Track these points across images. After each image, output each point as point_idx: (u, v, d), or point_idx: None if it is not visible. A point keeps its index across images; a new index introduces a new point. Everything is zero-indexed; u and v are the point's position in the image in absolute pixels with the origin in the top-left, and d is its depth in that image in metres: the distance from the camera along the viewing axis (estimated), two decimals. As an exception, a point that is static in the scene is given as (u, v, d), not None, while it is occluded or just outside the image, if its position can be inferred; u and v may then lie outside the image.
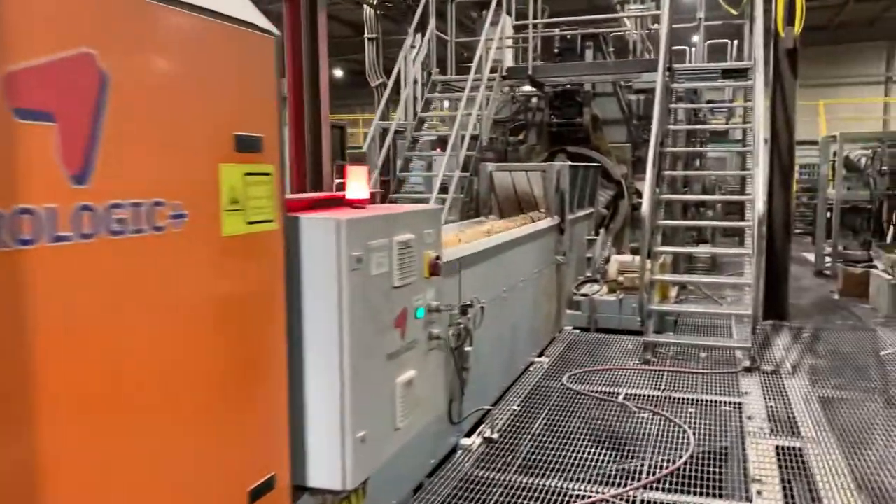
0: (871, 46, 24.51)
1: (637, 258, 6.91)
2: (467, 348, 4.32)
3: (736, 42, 10.83)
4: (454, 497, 3.80)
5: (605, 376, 5.88)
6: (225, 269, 1.71)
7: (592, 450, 4.38)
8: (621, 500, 3.76)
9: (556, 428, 4.73)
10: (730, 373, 5.90)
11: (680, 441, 4.51)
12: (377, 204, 2.51)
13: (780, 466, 4.14)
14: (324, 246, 1.96)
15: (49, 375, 1.28)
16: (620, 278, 7.71)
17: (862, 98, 23.66)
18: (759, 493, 3.80)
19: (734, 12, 9.04)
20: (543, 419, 4.89)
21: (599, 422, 4.85)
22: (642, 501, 3.75)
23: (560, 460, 4.23)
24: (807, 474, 4.04)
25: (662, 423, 4.83)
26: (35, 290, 1.25)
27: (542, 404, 5.18)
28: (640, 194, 8.56)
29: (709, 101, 12.50)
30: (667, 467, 4.11)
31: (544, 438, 4.55)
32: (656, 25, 9.24)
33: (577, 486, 3.89)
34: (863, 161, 11.11)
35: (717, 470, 4.11)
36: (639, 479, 3.96)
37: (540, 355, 6.44)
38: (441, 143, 10.02)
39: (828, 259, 10.94)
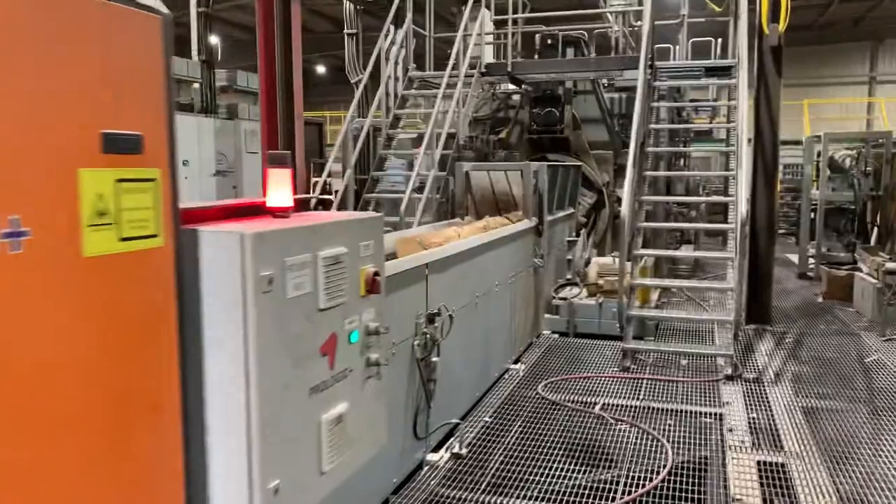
0: (856, 46, 24.51)
1: (618, 260, 6.71)
2: (434, 359, 4.09)
3: (720, 41, 10.65)
4: (417, 520, 3.57)
5: (582, 385, 5.66)
6: (88, 296, 1.43)
7: (565, 466, 4.16)
8: (594, 522, 3.54)
9: (528, 442, 4.50)
10: (711, 381, 5.70)
11: (658, 456, 4.30)
12: (311, 212, 2.25)
13: (761, 484, 3.93)
14: (225, 264, 1.68)
15: None
16: (601, 281, 7.50)
17: (846, 98, 23.65)
18: (739, 513, 3.60)
19: (718, 9, 8.86)
20: (516, 432, 4.66)
21: (574, 435, 4.63)
22: (616, 524, 3.53)
23: (531, 478, 4.00)
24: (790, 492, 3.84)
25: (640, 435, 4.62)
26: None
27: (516, 415, 4.96)
28: (621, 202, 8.37)
29: (692, 101, 12.36)
30: (643, 485, 3.89)
31: (516, 453, 4.32)
32: (639, 22, 9.03)
33: (547, 507, 3.66)
34: (847, 162, 10.96)
35: (696, 487, 3.90)
36: (613, 499, 3.74)
37: (516, 362, 6.22)
38: (421, 141, 9.78)
39: (811, 261, 10.79)
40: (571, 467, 4.13)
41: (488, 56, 10.17)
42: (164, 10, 1.50)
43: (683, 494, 3.80)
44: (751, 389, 5.54)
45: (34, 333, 1.34)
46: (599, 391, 5.50)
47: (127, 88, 1.47)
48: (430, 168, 7.54)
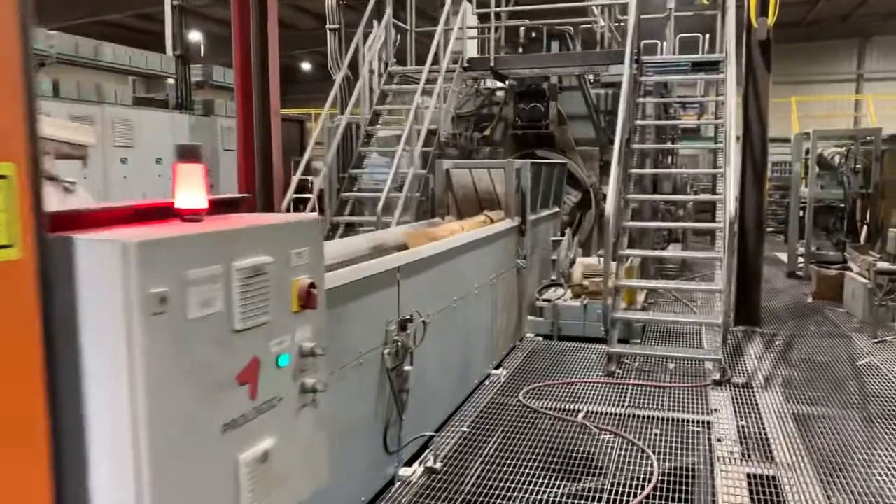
0: (843, 44, 24.45)
1: (603, 260, 6.48)
2: (406, 368, 3.86)
3: (708, 36, 10.47)
4: (385, 542, 3.34)
5: (565, 391, 5.44)
6: None
7: (545, 479, 3.93)
8: (574, 543, 3.32)
9: (507, 453, 4.28)
10: (699, 386, 5.50)
11: (642, 468, 4.09)
12: (240, 214, 1.99)
13: (751, 499, 3.73)
14: (105, 280, 1.40)
15: None
16: (585, 282, 7.28)
17: (834, 95, 23.58)
18: (728, 533, 3.38)
19: (705, 2, 8.65)
20: (495, 443, 4.43)
21: (556, 446, 4.41)
22: (598, 545, 3.31)
23: (508, 493, 3.77)
24: (781, 508, 3.64)
25: (624, 446, 4.40)
26: None
27: (495, 425, 4.73)
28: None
29: (680, 97, 12.16)
30: (626, 500, 3.68)
31: (493, 466, 4.10)
32: (625, 17, 8.81)
33: (525, 527, 3.44)
34: (836, 159, 10.81)
35: (683, 502, 3.69)
36: (595, 518, 3.53)
37: (497, 367, 5.99)
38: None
39: (800, 260, 10.63)
40: (551, 481, 3.91)
41: (472, 51, 9.94)
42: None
43: (669, 511, 3.59)
44: (740, 395, 5.34)
45: None
46: (583, 397, 5.29)
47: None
48: (411, 165, 7.29)
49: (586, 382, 5.62)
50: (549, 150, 9.36)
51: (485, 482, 3.89)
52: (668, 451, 4.32)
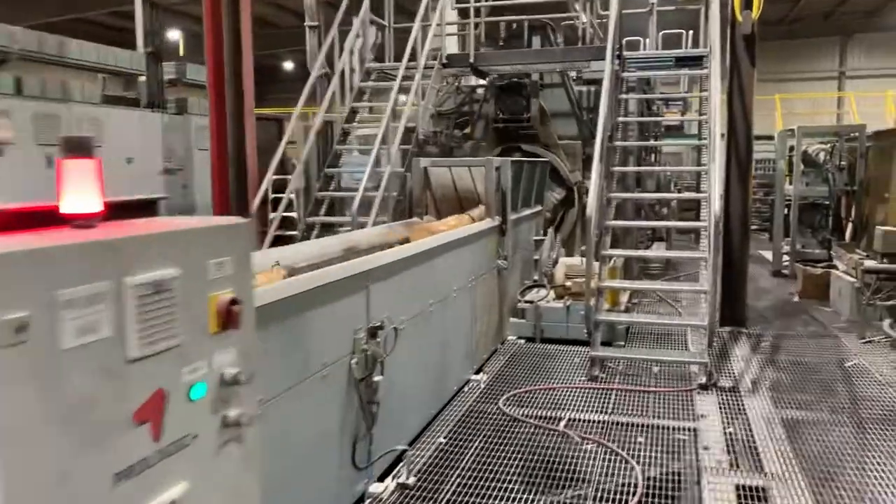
0: (825, 41, 24.48)
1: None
2: (376, 378, 3.64)
3: (691, 32, 10.33)
4: (352, 566, 3.12)
5: (547, 397, 5.25)
6: None
7: (524, 494, 3.73)
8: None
9: (485, 466, 4.07)
10: (684, 391, 5.32)
11: (627, 480, 3.89)
12: (150, 220, 1.73)
13: (741, 512, 3.55)
14: None
15: None
16: (568, 283, 7.10)
17: (818, 93, 23.59)
18: (717, 550, 3.20)
19: (689, -4, 8.51)
20: (472, 455, 4.23)
21: (536, 456, 4.20)
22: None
23: (486, 510, 3.57)
24: (772, 522, 3.46)
25: (608, 456, 4.21)
26: None
27: (474, 435, 4.52)
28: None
29: (663, 94, 12.04)
30: (610, 517, 3.48)
31: (470, 480, 3.89)
32: (607, 12, 8.63)
33: (502, 547, 3.24)
34: (821, 156, 10.70)
35: (669, 518, 3.50)
36: (576, 535, 3.33)
37: (478, 372, 5.79)
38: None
39: (786, 258, 10.51)
40: (531, 495, 3.71)
41: (452, 48, 9.74)
42: None
43: (655, 527, 3.40)
44: (727, 399, 5.17)
45: None
46: (565, 404, 5.09)
47: None
48: (388, 164, 7.08)
49: (569, 387, 5.43)
50: (532, 144, 9.18)
51: (461, 497, 3.69)
52: (653, 460, 4.13)
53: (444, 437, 4.45)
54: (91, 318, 1.29)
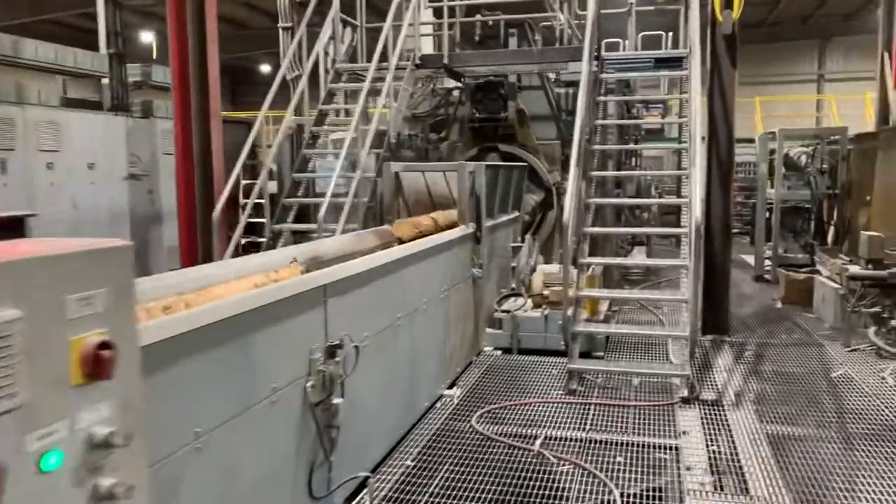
0: (804, 44, 24.54)
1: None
2: (336, 401, 3.37)
3: (671, 34, 10.17)
4: None
5: (522, 413, 4.99)
6: None
7: (496, 524, 3.47)
8: None
9: (455, 491, 3.81)
10: (666, 405, 5.09)
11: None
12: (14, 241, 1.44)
13: (726, 541, 3.31)
14: None
15: None
16: (546, 291, 6.87)
17: (799, 96, 23.62)
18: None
19: (668, -5, 8.32)
20: (441, 479, 3.96)
21: (509, 480, 3.95)
22: None
23: (453, 543, 3.31)
24: (759, 552, 3.22)
25: (585, 478, 3.96)
26: None
27: (444, 457, 4.26)
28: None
29: (643, 99, 11.87)
30: (587, 549, 3.24)
31: (438, 508, 3.63)
32: (585, 12, 8.42)
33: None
34: (803, 159, 10.57)
35: (650, 549, 3.26)
36: (550, 571, 3.08)
37: (451, 386, 5.53)
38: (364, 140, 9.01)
39: (768, 263, 10.36)
40: (503, 525, 3.46)
41: (428, 49, 9.49)
42: None
43: (634, 561, 3.15)
44: (710, 414, 4.95)
45: None
46: (542, 420, 4.85)
47: None
48: (357, 169, 6.81)
49: (546, 402, 5.18)
50: (510, 144, 8.96)
51: (427, 528, 3.43)
52: (632, 483, 3.89)
53: (412, 460, 4.19)
54: None
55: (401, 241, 5.11)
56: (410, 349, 4.64)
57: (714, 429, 4.69)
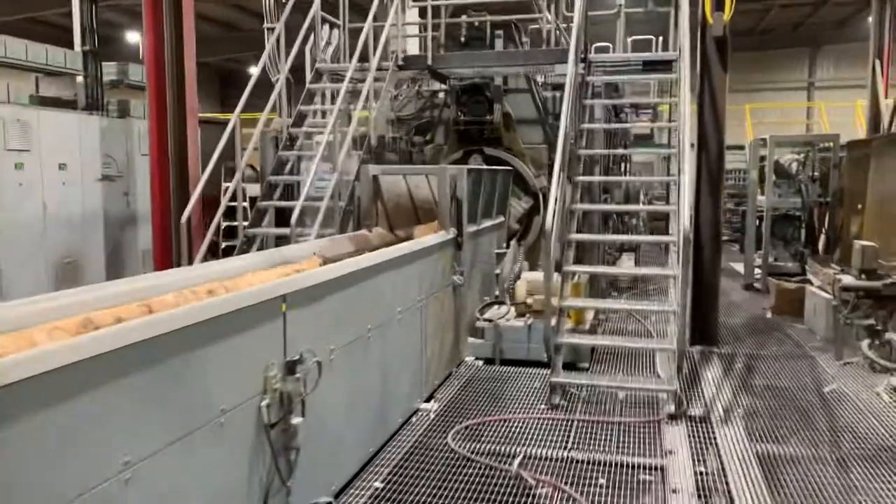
0: (795, 52, 24.47)
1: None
2: (295, 420, 3.12)
3: (661, 39, 9.98)
4: None
5: (502, 429, 4.76)
6: None
7: (468, 554, 3.23)
8: None
9: (425, 517, 3.57)
10: (652, 421, 4.86)
11: (585, 534, 3.41)
12: None
13: (713, 574, 3.08)
14: None
15: None
16: (530, 300, 6.64)
17: (789, 103, 23.53)
18: None
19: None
20: (412, 502, 3.72)
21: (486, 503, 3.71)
22: None
23: (420, 575, 3.07)
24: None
25: (565, 503, 3.72)
26: None
27: (416, 478, 4.01)
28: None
29: (633, 105, 11.68)
30: (564, 583, 3.00)
31: (406, 536, 3.38)
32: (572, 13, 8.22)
33: None
34: (794, 166, 10.40)
35: (632, 582, 3.03)
36: None
37: (428, 399, 5.29)
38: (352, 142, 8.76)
39: (757, 271, 10.17)
40: (475, 555, 3.22)
41: (413, 50, 9.27)
42: None
43: None
44: (697, 431, 4.73)
45: None
46: (522, 437, 4.61)
47: None
48: (336, 171, 6.57)
49: (527, 418, 4.94)
50: (495, 148, 8.74)
51: (393, 559, 3.18)
52: (615, 507, 3.66)
53: (382, 482, 3.94)
54: None
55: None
56: (383, 362, 4.39)
57: (702, 447, 4.47)
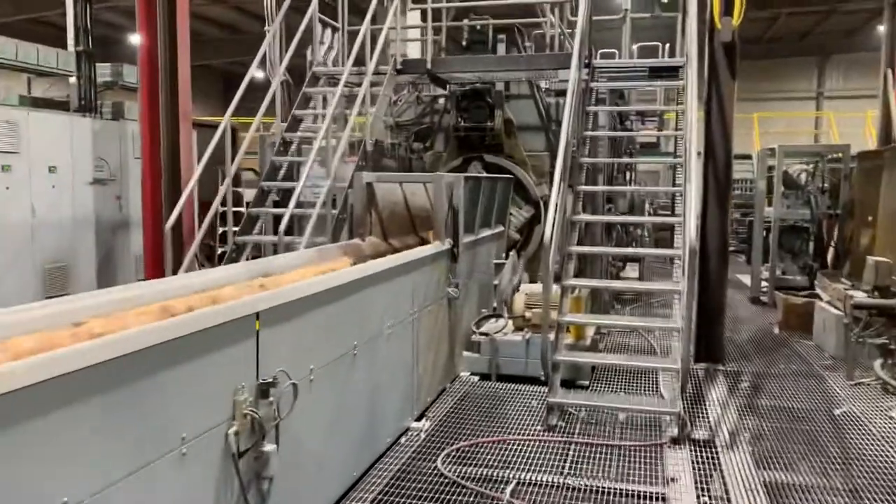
0: (803, 61, 24.22)
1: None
2: (267, 448, 2.89)
3: (668, 46, 9.77)
4: None
5: (496, 452, 4.52)
6: None
7: None
8: None
9: (409, 550, 3.33)
10: (653, 444, 4.62)
11: (580, 572, 3.18)
12: None
13: None
14: None
15: None
16: (528, 313, 6.40)
17: (797, 113, 23.28)
18: None
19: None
20: (395, 533, 3.49)
21: (473, 535, 3.47)
22: None
23: None
24: None
25: (559, 536, 3.49)
26: None
27: (401, 505, 3.78)
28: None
29: (638, 113, 11.47)
30: None
31: (387, 572, 3.15)
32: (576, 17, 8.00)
33: None
34: (803, 177, 10.16)
35: None
36: None
37: (420, 418, 5.06)
38: (350, 147, 8.56)
39: (764, 284, 9.92)
40: None
41: (415, 54, 9.07)
42: None
43: None
44: (701, 456, 4.48)
45: None
46: (516, 461, 4.37)
47: None
48: (329, 178, 6.36)
49: (522, 440, 4.70)
50: (496, 154, 8.53)
51: None
52: (613, 542, 3.42)
53: (365, 509, 3.71)
54: None
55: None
56: (370, 380, 4.17)
57: (706, 474, 4.22)
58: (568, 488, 3.99)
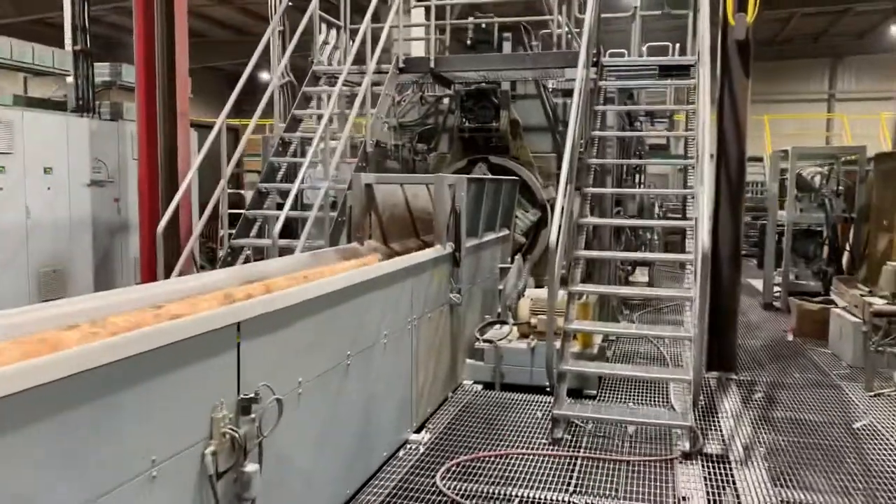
0: (815, 63, 23.91)
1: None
2: (249, 468, 2.69)
3: (678, 45, 9.54)
4: None
5: (498, 467, 4.31)
6: None
7: None
8: None
9: (403, 575, 3.12)
10: (664, 460, 4.40)
11: None
12: None
13: None
14: None
15: None
16: (534, 320, 6.19)
17: (809, 114, 22.98)
18: None
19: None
20: (389, 556, 3.28)
21: (472, 560, 3.26)
22: None
23: None
24: None
25: (564, 560, 3.27)
26: None
27: (396, 525, 3.57)
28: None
29: (647, 113, 11.23)
30: None
31: None
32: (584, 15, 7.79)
33: None
34: (817, 180, 9.90)
35: None
36: None
37: (419, 430, 4.85)
38: (352, 148, 8.38)
39: (777, 289, 9.67)
40: None
41: (419, 53, 8.87)
42: None
43: None
44: (714, 473, 4.26)
45: None
46: (519, 477, 4.16)
47: None
48: (326, 179, 6.16)
49: (526, 454, 4.49)
50: (501, 156, 8.31)
51: None
52: (621, 568, 3.20)
53: (357, 530, 3.50)
54: None
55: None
56: (364, 391, 3.96)
57: (719, 492, 4.00)
58: (573, 507, 3.78)
